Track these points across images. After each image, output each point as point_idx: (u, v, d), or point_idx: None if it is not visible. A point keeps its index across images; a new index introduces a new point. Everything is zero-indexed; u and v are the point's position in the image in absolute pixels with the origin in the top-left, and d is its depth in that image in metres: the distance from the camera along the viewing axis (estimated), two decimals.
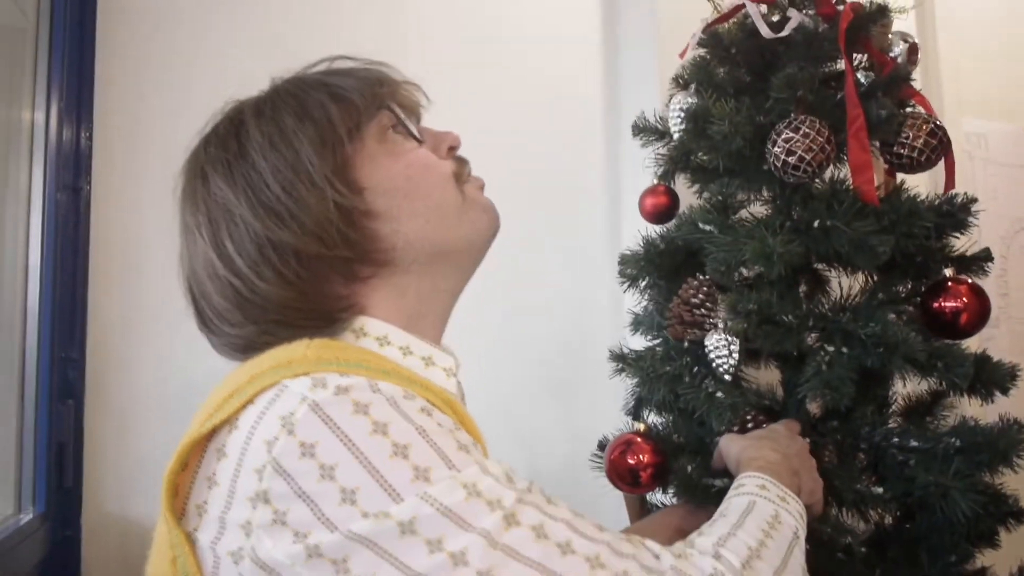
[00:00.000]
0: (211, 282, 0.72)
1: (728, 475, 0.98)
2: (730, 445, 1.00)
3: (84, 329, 1.46)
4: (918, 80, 2.18)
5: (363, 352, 0.70)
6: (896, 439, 1.14)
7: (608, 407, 1.46)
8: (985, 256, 1.19)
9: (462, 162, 0.83)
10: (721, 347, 1.08)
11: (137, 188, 1.51)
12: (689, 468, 1.11)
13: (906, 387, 1.24)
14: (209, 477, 0.62)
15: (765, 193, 1.25)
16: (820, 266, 1.24)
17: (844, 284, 1.24)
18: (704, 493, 1.08)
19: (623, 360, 1.26)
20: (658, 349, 1.22)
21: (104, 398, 1.46)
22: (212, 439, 0.63)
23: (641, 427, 1.14)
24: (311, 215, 0.70)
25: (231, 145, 0.73)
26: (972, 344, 2.20)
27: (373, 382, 0.61)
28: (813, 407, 1.19)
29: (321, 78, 0.78)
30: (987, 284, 2.29)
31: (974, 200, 1.14)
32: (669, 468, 1.13)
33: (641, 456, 1.11)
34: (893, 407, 1.24)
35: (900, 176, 1.22)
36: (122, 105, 1.55)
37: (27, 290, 1.43)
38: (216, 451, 0.62)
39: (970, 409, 1.23)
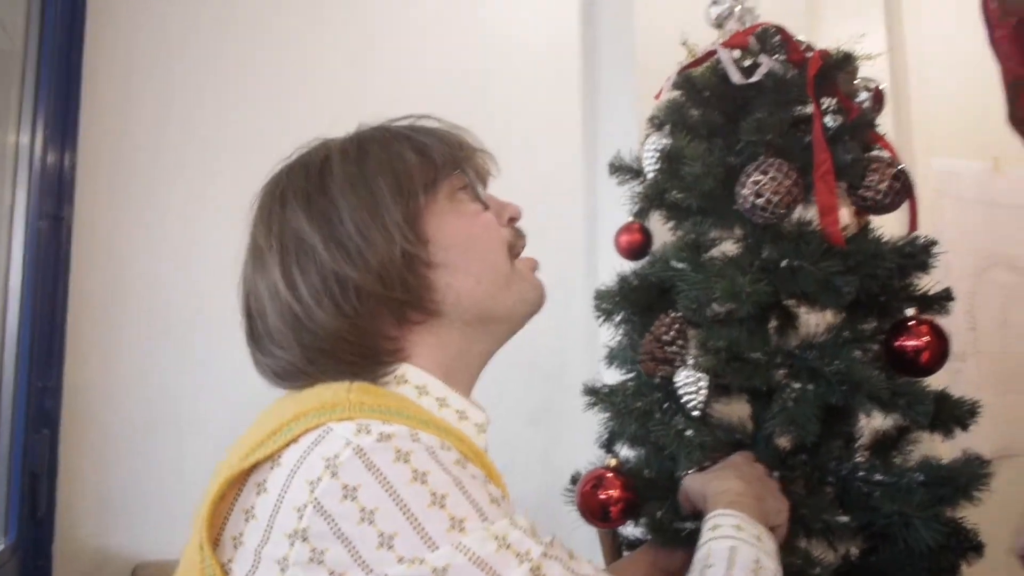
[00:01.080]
0: (271, 303, 0.75)
1: (697, 517, 1.00)
2: (693, 482, 1.02)
3: (62, 358, 1.46)
4: (890, 119, 2.26)
5: (403, 400, 0.72)
6: (862, 473, 1.17)
7: (585, 439, 1.47)
8: (946, 296, 1.22)
9: (519, 234, 0.87)
10: (690, 383, 1.11)
11: (119, 217, 1.52)
12: (659, 513, 1.13)
13: (872, 423, 1.27)
14: (247, 510, 0.64)
15: (737, 232, 1.28)
16: (791, 303, 1.27)
17: (814, 321, 1.27)
18: (675, 536, 1.10)
19: (595, 394, 1.28)
20: (630, 384, 1.24)
21: (81, 428, 1.46)
22: (252, 473, 0.65)
23: (612, 462, 1.16)
24: (377, 256, 0.73)
25: (314, 178, 0.78)
26: (941, 376, 2.24)
27: (414, 431, 0.64)
28: (783, 441, 1.22)
29: (405, 131, 0.82)
30: (956, 319, 2.34)
31: (934, 242, 1.17)
32: (639, 504, 1.15)
33: (611, 492, 1.13)
34: (860, 442, 1.27)
35: (870, 217, 1.25)
36: (107, 132, 1.56)
37: (5, 318, 1.43)
38: (256, 485, 0.64)
39: (941, 446, 1.26)
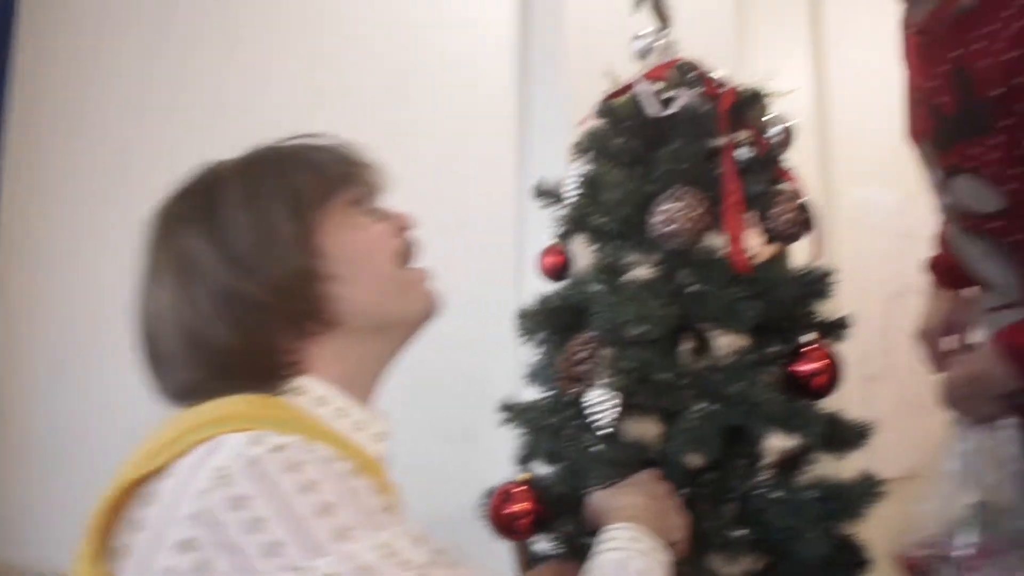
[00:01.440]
0: (168, 323, 0.76)
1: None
2: (598, 498, 1.07)
3: None
4: (812, 149, 2.35)
5: (300, 412, 0.74)
6: (763, 489, 1.23)
7: (510, 456, 1.51)
8: (842, 323, 1.29)
9: (410, 243, 0.89)
10: (600, 402, 1.15)
11: (40, 240, 1.51)
12: (567, 528, 1.17)
13: (780, 443, 1.33)
14: (136, 521, 0.65)
15: (653, 257, 1.34)
16: (705, 326, 1.33)
17: (726, 344, 1.33)
18: (582, 551, 1.14)
19: (511, 411, 1.31)
20: (545, 402, 1.29)
21: None
22: (144, 484, 0.66)
23: (523, 477, 1.20)
24: (274, 271, 0.75)
25: (207, 199, 0.79)
26: (855, 398, 2.34)
27: (308, 442, 0.66)
28: (692, 459, 1.27)
29: (299, 149, 0.85)
30: (870, 343, 2.44)
31: (832, 272, 1.24)
32: (549, 519, 1.19)
33: (519, 506, 1.17)
34: (766, 460, 1.33)
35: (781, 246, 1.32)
36: (30, 167, 1.55)
37: None
38: (146, 496, 0.65)
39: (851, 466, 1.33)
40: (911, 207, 2.48)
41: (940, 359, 1.44)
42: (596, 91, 1.40)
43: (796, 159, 1.30)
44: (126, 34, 1.52)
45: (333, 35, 1.69)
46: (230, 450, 0.63)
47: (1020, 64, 1.05)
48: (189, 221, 0.78)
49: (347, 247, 0.81)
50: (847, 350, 2.34)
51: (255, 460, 0.62)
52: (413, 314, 0.87)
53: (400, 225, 0.88)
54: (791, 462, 1.34)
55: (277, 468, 0.62)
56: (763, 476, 1.27)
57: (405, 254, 0.88)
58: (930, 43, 1.23)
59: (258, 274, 0.75)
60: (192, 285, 0.76)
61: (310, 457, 0.64)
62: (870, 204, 2.46)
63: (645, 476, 1.12)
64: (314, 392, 0.77)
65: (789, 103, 1.36)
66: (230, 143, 0.87)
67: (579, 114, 1.42)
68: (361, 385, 0.83)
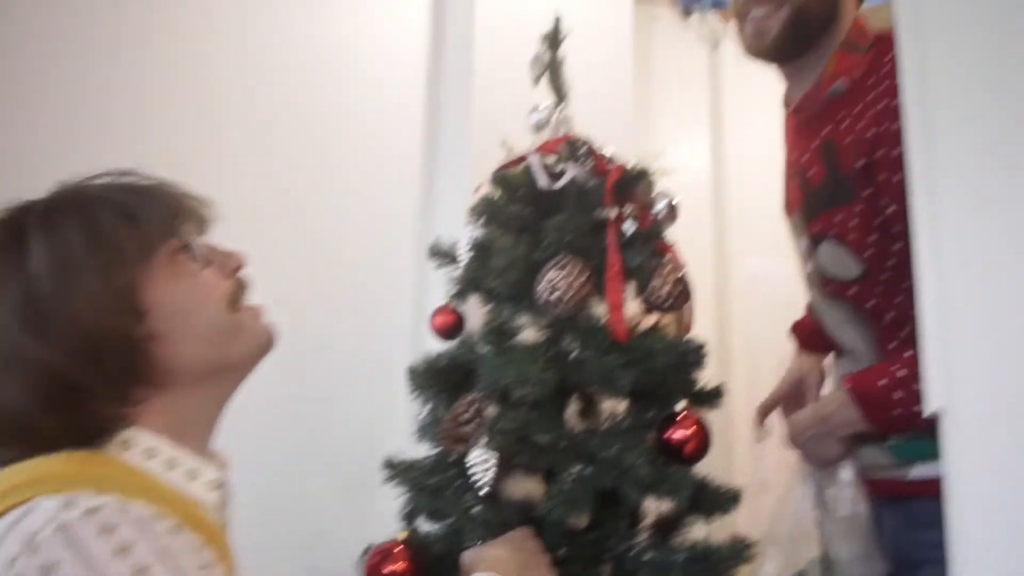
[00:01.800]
0: None
1: None
2: (469, 555, 1.08)
3: None
4: (709, 220, 2.47)
5: (124, 468, 0.72)
6: (637, 551, 1.27)
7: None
8: (717, 392, 1.36)
9: (242, 283, 0.87)
10: (480, 463, 1.18)
11: None
12: None
13: (661, 506, 1.38)
14: None
15: (542, 321, 1.39)
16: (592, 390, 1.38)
17: (610, 408, 1.39)
18: None
19: (394, 468, 1.33)
20: (428, 460, 1.31)
21: None
22: None
23: (402, 536, 1.21)
24: (91, 340, 0.71)
25: (6, 255, 0.73)
26: (744, 462, 2.41)
27: (124, 503, 0.65)
28: (573, 520, 1.31)
29: (113, 195, 0.78)
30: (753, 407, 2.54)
31: (703, 345, 1.31)
32: None
33: (396, 566, 1.18)
34: (645, 523, 1.37)
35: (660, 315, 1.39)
36: None
37: None
38: None
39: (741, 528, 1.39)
40: (800, 279, 2.62)
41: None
42: (500, 158, 1.47)
43: (692, 231, 1.38)
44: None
45: (238, 79, 1.71)
46: (42, 514, 0.62)
47: (880, 140, 1.16)
48: None
49: (173, 301, 0.77)
50: (737, 415, 2.45)
51: (65, 525, 0.61)
52: (248, 356, 0.84)
53: (231, 265, 0.85)
54: (668, 525, 1.39)
55: (90, 532, 0.61)
56: (639, 538, 1.32)
57: (237, 295, 0.84)
58: (805, 121, 1.34)
59: (67, 343, 0.70)
60: None
61: (125, 518, 0.63)
62: (762, 275, 2.58)
63: (518, 533, 1.14)
64: (142, 444, 0.74)
65: (686, 177, 1.45)
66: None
67: (482, 178, 1.48)
68: (196, 432, 0.80)
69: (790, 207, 1.48)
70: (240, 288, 0.86)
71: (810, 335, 1.59)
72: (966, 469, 0.82)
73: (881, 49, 1.20)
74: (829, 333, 1.43)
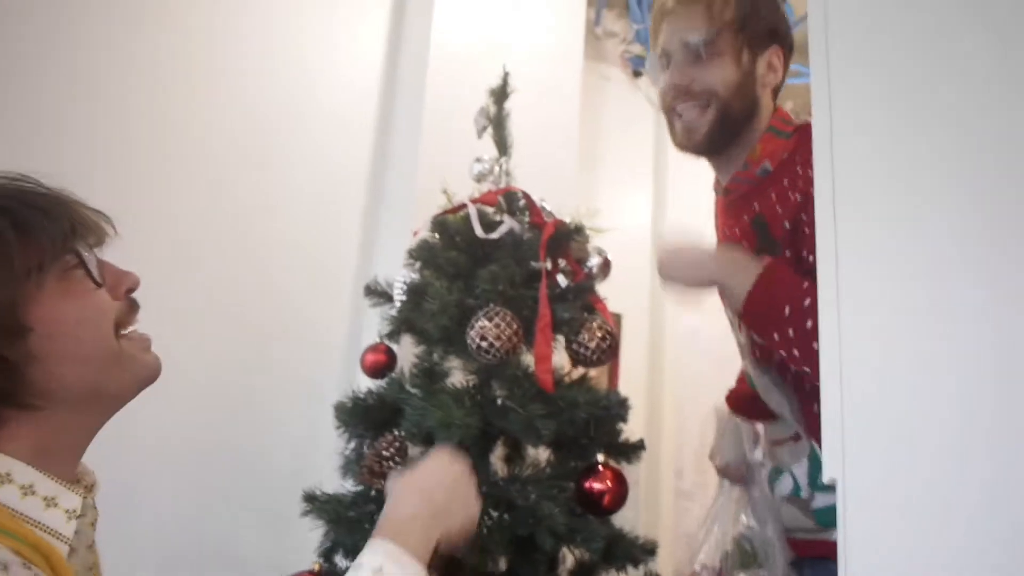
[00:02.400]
0: None
1: None
2: (392, 482, 0.97)
3: None
4: (648, 275, 2.54)
5: None
6: None
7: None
8: (639, 445, 1.40)
9: (133, 306, 0.82)
10: None
11: None
12: None
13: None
14: None
15: (473, 365, 1.41)
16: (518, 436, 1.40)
17: (542, 455, 1.41)
18: None
19: (313, 501, 1.33)
20: (348, 494, 1.31)
21: None
22: None
23: (315, 568, 1.21)
24: None
25: None
26: (669, 513, 2.45)
27: None
28: (492, 565, 1.32)
29: (5, 204, 0.73)
30: (686, 462, 2.58)
31: (626, 399, 1.35)
32: None
33: None
34: (564, 568, 1.39)
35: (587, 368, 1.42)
36: None
37: None
38: None
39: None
40: (732, 336, 2.70)
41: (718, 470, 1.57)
42: (440, 203, 1.50)
43: (630, 286, 1.41)
44: None
45: (190, 110, 1.72)
46: None
47: (806, 202, 1.23)
48: None
49: (61, 320, 0.72)
50: (664, 467, 2.50)
51: None
52: (128, 386, 0.79)
53: (124, 286, 0.80)
54: (585, 573, 1.41)
55: None
56: None
57: (126, 319, 0.80)
58: (734, 201, 1.40)
59: None
60: None
61: None
62: (697, 331, 2.66)
63: (437, 457, 0.98)
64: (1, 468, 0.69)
65: (626, 234, 1.50)
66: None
67: (422, 222, 1.51)
68: (62, 456, 0.75)
69: None
70: (130, 312, 0.81)
71: (743, 401, 1.63)
72: (858, 536, 0.86)
73: (804, 134, 1.28)
74: (761, 399, 1.47)
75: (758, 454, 1.47)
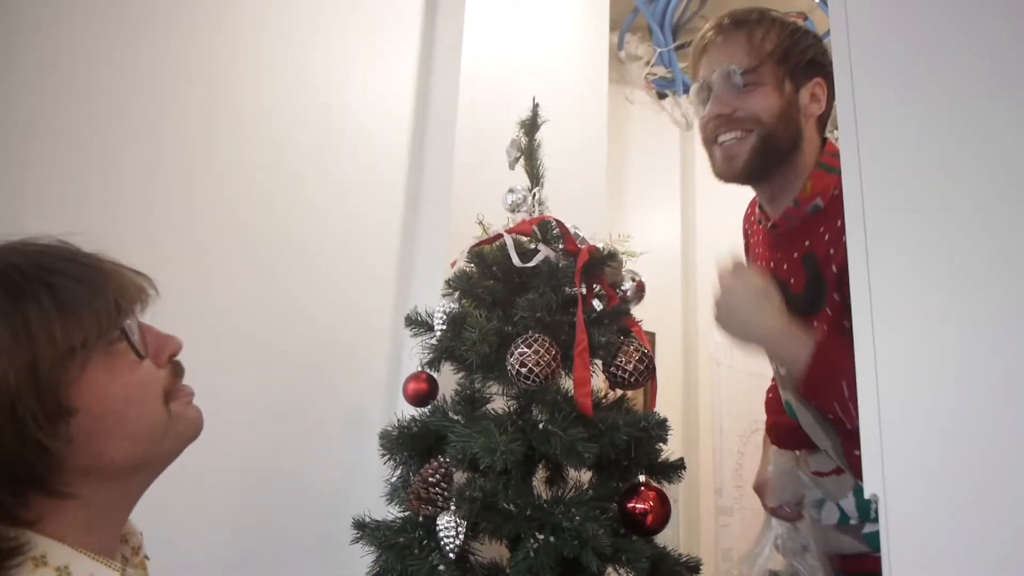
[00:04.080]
0: None
1: None
2: None
3: None
4: (679, 294, 2.56)
5: None
6: None
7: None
8: (679, 464, 1.42)
9: (178, 370, 0.80)
10: (450, 527, 1.23)
11: None
12: None
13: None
14: None
15: (513, 391, 1.45)
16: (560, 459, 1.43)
17: (576, 477, 1.44)
18: None
19: (363, 528, 1.37)
20: (397, 520, 1.35)
21: None
22: None
23: None
24: (4, 454, 0.64)
25: None
26: (709, 529, 2.46)
27: None
28: None
29: (46, 277, 0.69)
30: (725, 478, 2.59)
31: (666, 419, 1.37)
32: None
33: None
34: None
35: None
36: None
37: None
38: None
39: None
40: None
41: (769, 509, 1.56)
42: (476, 233, 1.54)
43: (662, 305, 1.43)
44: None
45: (222, 146, 1.78)
46: None
47: None
48: None
49: (107, 398, 0.70)
50: (702, 484, 2.50)
51: None
52: (176, 448, 0.77)
53: (168, 352, 0.78)
54: None
55: None
56: None
57: (173, 386, 0.78)
58: (783, 235, 1.40)
59: None
60: None
61: None
62: (728, 346, 2.67)
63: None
64: (34, 551, 0.66)
65: (656, 254, 1.52)
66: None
67: (457, 253, 1.55)
68: (107, 529, 0.74)
69: None
70: (176, 377, 0.79)
71: (783, 432, 1.61)
72: (902, 551, 0.88)
73: None
74: (803, 431, 1.46)
75: (809, 492, 1.46)
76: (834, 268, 1.26)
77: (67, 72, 1.59)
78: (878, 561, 1.32)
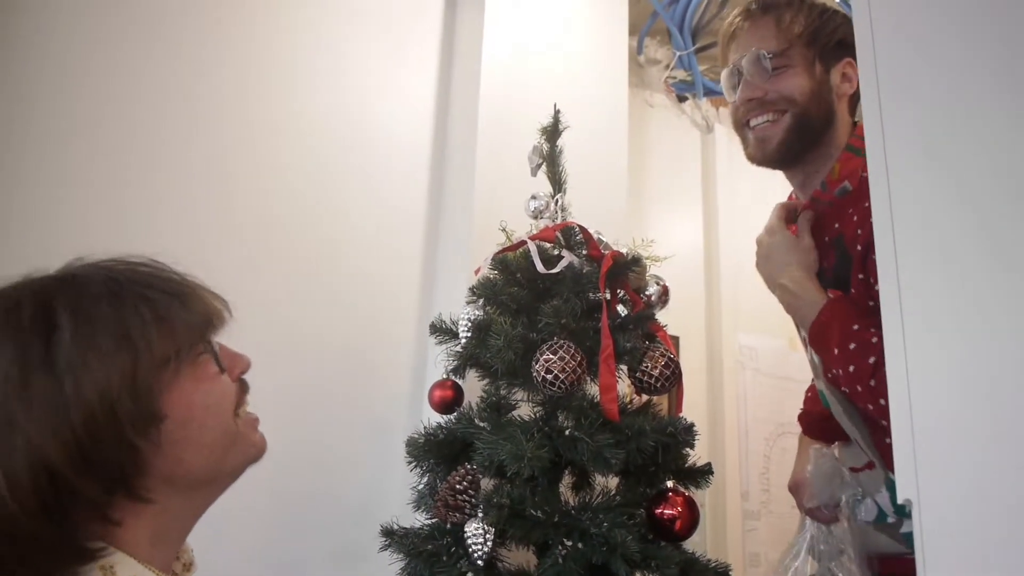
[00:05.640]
0: None
1: None
2: None
3: None
4: (703, 298, 2.55)
5: None
6: None
7: None
8: (707, 469, 1.41)
9: (244, 387, 0.84)
10: (478, 534, 1.23)
11: None
12: None
13: None
14: None
15: (538, 397, 1.45)
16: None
17: (603, 483, 1.43)
18: None
19: (391, 535, 1.37)
20: (425, 528, 1.35)
21: None
22: None
23: None
24: (101, 454, 0.67)
25: (36, 345, 0.68)
26: (736, 534, 2.44)
27: None
28: None
29: (144, 291, 0.74)
30: (752, 482, 2.57)
31: (693, 424, 1.37)
32: None
33: None
34: None
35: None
36: None
37: None
38: None
39: None
40: (790, 354, 2.69)
41: (806, 510, 1.54)
42: (499, 240, 1.55)
43: (685, 308, 1.42)
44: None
45: (249, 155, 1.79)
46: None
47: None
48: (10, 363, 0.67)
49: (191, 407, 0.74)
50: (729, 488, 2.49)
51: None
52: (239, 467, 0.81)
53: (240, 369, 0.82)
54: None
55: None
56: None
57: (240, 400, 0.82)
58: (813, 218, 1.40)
59: (79, 456, 0.66)
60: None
61: None
62: (754, 349, 2.65)
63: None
64: (104, 561, 0.69)
65: (679, 258, 1.51)
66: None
67: (481, 261, 1.55)
68: (172, 543, 0.77)
69: None
70: (243, 393, 0.83)
71: (816, 423, 1.60)
72: (935, 558, 0.87)
73: None
74: (835, 421, 1.45)
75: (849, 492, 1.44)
76: (859, 247, 1.25)
77: (104, 77, 1.62)
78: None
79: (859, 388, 1.18)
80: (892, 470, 1.27)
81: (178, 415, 0.72)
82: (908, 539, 1.29)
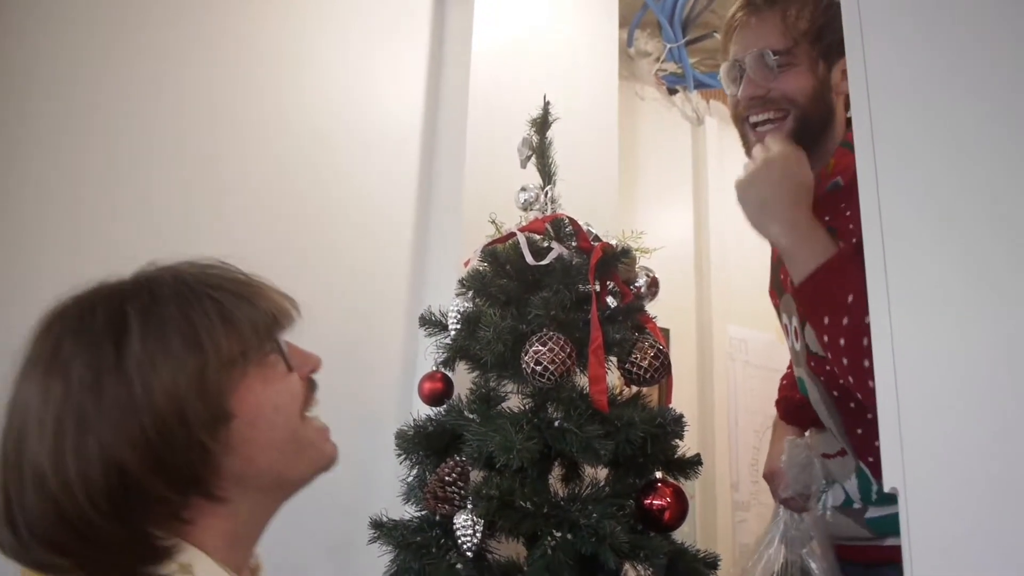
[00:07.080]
0: (33, 489, 0.66)
1: None
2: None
3: None
4: (693, 290, 2.55)
5: None
6: None
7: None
8: (696, 460, 1.41)
9: (312, 387, 0.84)
10: (467, 526, 1.23)
11: None
12: None
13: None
14: None
15: (527, 389, 1.45)
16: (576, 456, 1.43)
17: (593, 474, 1.44)
18: None
19: (380, 527, 1.37)
20: (414, 520, 1.35)
21: None
22: None
23: None
24: (171, 454, 0.67)
25: (107, 348, 0.69)
26: (726, 525, 2.45)
27: None
28: None
29: (211, 292, 0.75)
30: (742, 473, 2.58)
31: (682, 415, 1.37)
32: None
33: None
34: None
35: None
36: None
37: None
38: None
39: None
40: (779, 347, 2.70)
41: (780, 500, 1.56)
42: (489, 231, 1.54)
43: (675, 300, 1.42)
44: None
45: (240, 148, 1.78)
46: None
47: None
48: (83, 367, 0.68)
49: (260, 406, 0.74)
50: (718, 479, 2.50)
51: None
52: (308, 473, 0.80)
53: (307, 368, 0.82)
54: None
55: None
56: None
57: (308, 400, 0.82)
58: None
59: (149, 455, 0.67)
60: (73, 450, 0.66)
61: None
62: (743, 341, 2.66)
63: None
64: (183, 559, 0.70)
65: (669, 250, 1.51)
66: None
67: (470, 253, 1.55)
68: (245, 546, 0.77)
69: (785, 287, 1.53)
70: (311, 393, 0.83)
71: (793, 409, 1.62)
72: (922, 546, 0.87)
73: None
74: (812, 408, 1.46)
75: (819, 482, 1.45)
76: (854, 240, 1.25)
77: (95, 71, 1.61)
78: (879, 550, 1.32)
79: (845, 361, 1.18)
80: (863, 459, 1.29)
81: (247, 415, 0.72)
82: (872, 525, 1.30)
